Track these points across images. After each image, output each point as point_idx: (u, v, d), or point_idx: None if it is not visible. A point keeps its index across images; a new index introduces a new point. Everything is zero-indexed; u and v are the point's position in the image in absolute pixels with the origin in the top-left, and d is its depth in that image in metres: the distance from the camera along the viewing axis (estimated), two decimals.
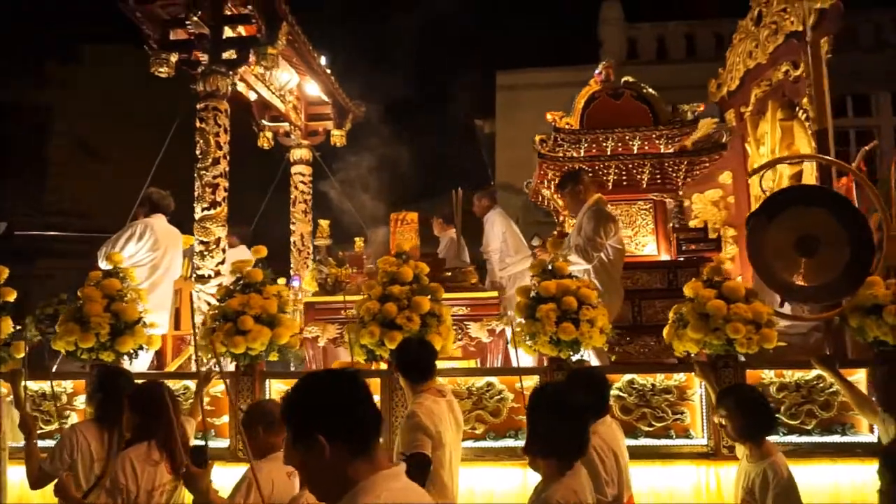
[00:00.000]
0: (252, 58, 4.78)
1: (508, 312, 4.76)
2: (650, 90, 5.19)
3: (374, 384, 3.92)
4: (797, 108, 4.95)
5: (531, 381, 3.81)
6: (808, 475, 3.54)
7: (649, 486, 3.68)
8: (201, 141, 4.71)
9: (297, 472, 1.63)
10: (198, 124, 4.74)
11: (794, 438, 3.69)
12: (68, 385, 4.20)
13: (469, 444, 3.82)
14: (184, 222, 5.20)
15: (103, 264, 4.47)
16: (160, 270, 5.00)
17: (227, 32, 4.99)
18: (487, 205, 6.17)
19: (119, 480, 2.74)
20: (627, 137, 4.98)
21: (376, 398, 3.90)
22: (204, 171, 4.74)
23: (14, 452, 3.75)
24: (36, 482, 3.19)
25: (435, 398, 3.07)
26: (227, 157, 4.83)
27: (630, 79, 5.30)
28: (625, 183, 5.06)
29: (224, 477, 3.14)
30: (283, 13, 4.71)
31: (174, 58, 4.83)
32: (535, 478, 2.40)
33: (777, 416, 3.67)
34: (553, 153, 4.93)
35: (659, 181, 5.03)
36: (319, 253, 5.58)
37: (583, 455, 2.40)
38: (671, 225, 5.04)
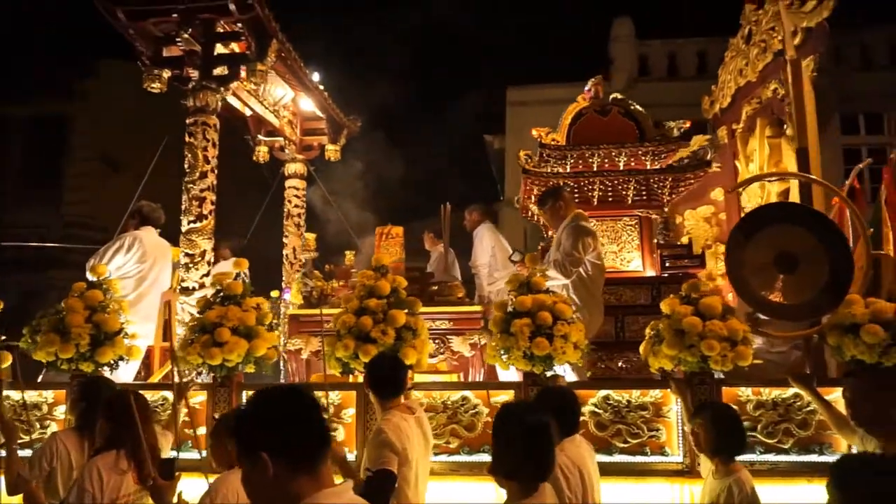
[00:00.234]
0: (242, 74, 4.86)
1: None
2: (637, 107, 5.21)
3: (350, 397, 3.94)
4: (785, 126, 4.94)
5: (507, 396, 3.82)
6: (785, 495, 3.50)
7: (624, 503, 3.64)
8: (189, 155, 4.79)
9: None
10: (186, 139, 4.82)
11: (772, 457, 3.64)
12: (49, 395, 4.24)
13: (443, 458, 3.81)
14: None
15: (90, 275, 4.54)
16: (147, 282, 5.05)
17: (220, 49, 5.10)
18: (477, 219, 6.19)
19: (85, 487, 2.76)
20: (613, 153, 5.00)
21: (351, 411, 3.93)
22: (191, 185, 4.81)
23: None
24: (13, 488, 3.22)
25: (404, 415, 3.06)
26: (216, 171, 4.90)
27: (618, 95, 5.33)
28: (610, 199, 5.06)
29: (200, 488, 3.16)
30: (273, 30, 4.80)
31: (167, 74, 4.93)
32: None
33: (753, 434, 3.64)
34: (538, 169, 4.95)
35: (644, 197, 5.03)
36: (305, 266, 5.63)
37: (546, 479, 2.40)
38: (656, 241, 5.03)
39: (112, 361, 4.08)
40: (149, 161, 5.65)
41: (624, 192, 4.97)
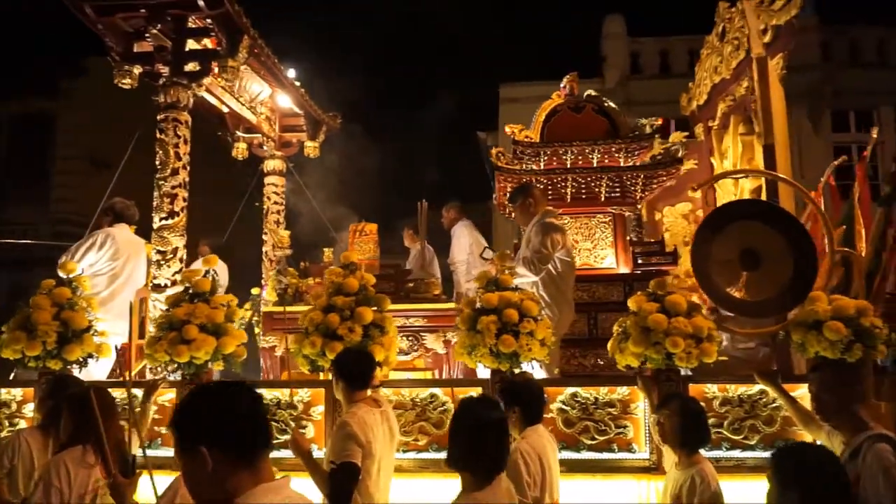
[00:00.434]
0: (214, 70, 4.83)
1: None
2: (611, 104, 5.22)
3: (319, 395, 3.94)
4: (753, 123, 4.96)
5: (475, 393, 3.82)
6: (751, 491, 3.49)
7: (590, 499, 3.66)
8: (161, 151, 4.76)
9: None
10: (158, 135, 4.79)
11: (738, 454, 3.66)
12: (18, 393, 4.22)
13: (412, 455, 3.82)
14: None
15: (60, 273, 4.51)
16: (120, 279, 5.02)
17: (193, 45, 5.06)
18: (454, 217, 6.19)
19: (52, 482, 2.76)
20: (587, 150, 5.00)
21: (320, 408, 3.93)
22: (162, 182, 4.78)
23: None
24: None
25: (370, 408, 3.09)
26: (188, 168, 4.87)
27: (592, 92, 5.32)
28: (584, 196, 5.06)
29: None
30: (244, 26, 4.77)
31: (137, 70, 4.89)
32: None
33: (720, 430, 3.66)
34: (511, 166, 4.94)
35: (618, 194, 5.04)
36: (280, 263, 5.62)
37: (500, 470, 2.42)
38: (629, 238, 5.04)
39: (81, 359, 4.06)
40: (136, 159, 5.61)
41: (597, 189, 4.98)
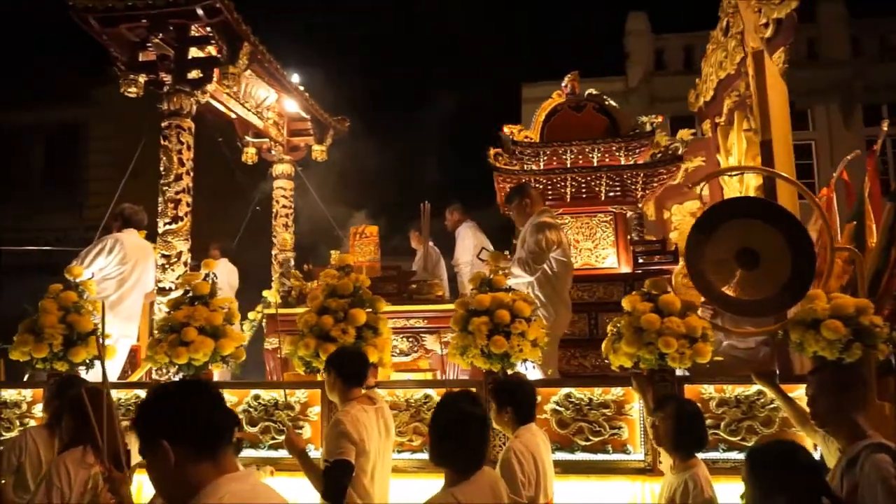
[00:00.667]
0: (216, 77, 4.92)
1: None
2: (612, 102, 5.18)
3: (315, 395, 3.98)
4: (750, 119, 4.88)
5: None
6: None
7: (585, 501, 3.63)
8: (164, 158, 4.87)
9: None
10: (162, 142, 4.90)
11: (735, 455, 3.59)
12: (28, 393, 4.35)
13: (407, 455, 3.83)
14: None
15: (68, 277, 4.64)
16: (129, 283, 5.14)
17: (197, 53, 5.17)
18: (458, 218, 6.20)
19: (53, 482, 2.84)
20: (587, 149, 4.97)
21: (316, 409, 3.97)
22: (166, 187, 4.88)
23: None
24: None
25: (364, 406, 3.10)
26: (191, 174, 4.98)
27: (593, 91, 5.29)
28: (584, 195, 5.03)
29: None
30: (244, 33, 4.85)
31: (143, 78, 5.01)
32: None
33: (717, 431, 3.61)
34: (510, 167, 4.94)
35: (619, 193, 4.99)
36: (283, 266, 5.69)
37: (479, 467, 2.42)
38: (630, 237, 4.99)
39: (87, 361, 4.18)
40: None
41: (597, 189, 4.94)
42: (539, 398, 3.65)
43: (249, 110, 6.23)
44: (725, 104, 5.70)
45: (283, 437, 3.73)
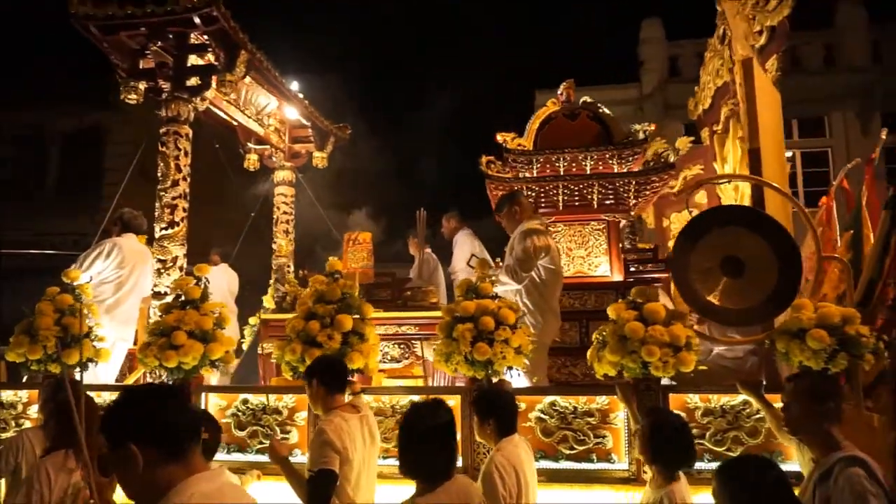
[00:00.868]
0: (214, 84, 5.00)
1: None
2: (606, 110, 5.18)
3: (303, 401, 3.97)
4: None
5: (454, 401, 3.83)
6: None
7: None
8: (162, 164, 4.95)
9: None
10: (160, 148, 4.98)
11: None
12: (24, 395, 4.43)
13: (392, 461, 3.82)
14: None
15: (65, 280, 4.72)
16: (126, 287, 5.22)
17: (197, 61, 5.25)
18: (455, 226, 6.22)
19: (34, 486, 2.89)
20: (580, 157, 4.97)
21: (303, 415, 4.00)
22: (163, 193, 4.96)
23: None
24: None
25: (346, 414, 3.10)
26: (188, 179, 5.05)
27: (588, 99, 5.30)
28: (577, 203, 5.03)
29: None
30: (241, 41, 4.92)
31: (143, 85, 5.10)
32: None
33: (702, 442, 3.58)
34: (502, 174, 4.95)
35: (611, 201, 4.99)
36: (278, 272, 5.74)
37: (447, 476, 2.43)
38: (622, 245, 4.98)
39: (81, 363, 4.24)
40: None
41: (590, 196, 4.94)
42: (524, 406, 3.67)
43: (250, 117, 6.31)
44: (722, 112, 5.68)
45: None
